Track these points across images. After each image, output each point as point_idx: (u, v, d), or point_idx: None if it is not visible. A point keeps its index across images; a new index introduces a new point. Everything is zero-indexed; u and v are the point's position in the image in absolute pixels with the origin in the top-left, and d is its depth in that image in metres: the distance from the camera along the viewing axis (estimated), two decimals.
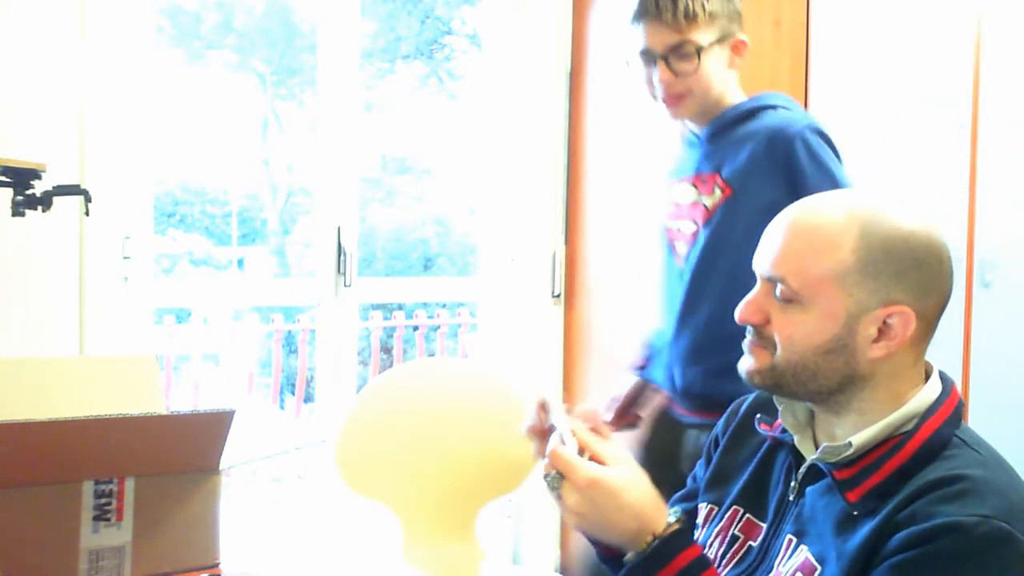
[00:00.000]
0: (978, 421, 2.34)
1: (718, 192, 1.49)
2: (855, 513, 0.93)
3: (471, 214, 3.34)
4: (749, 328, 1.02)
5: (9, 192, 1.43)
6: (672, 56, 1.41)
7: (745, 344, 1.03)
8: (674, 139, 1.61)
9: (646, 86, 1.50)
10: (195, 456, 1.30)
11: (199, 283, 3.76)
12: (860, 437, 0.96)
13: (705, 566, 0.96)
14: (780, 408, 1.06)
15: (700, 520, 1.16)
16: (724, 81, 1.50)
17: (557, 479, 0.95)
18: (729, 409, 1.22)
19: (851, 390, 0.98)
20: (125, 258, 2.14)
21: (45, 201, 1.45)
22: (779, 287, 0.97)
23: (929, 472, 0.92)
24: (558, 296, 2.83)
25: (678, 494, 1.26)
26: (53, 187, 1.47)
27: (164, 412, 1.30)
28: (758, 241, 1.03)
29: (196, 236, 4.80)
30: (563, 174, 2.84)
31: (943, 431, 0.95)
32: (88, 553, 1.25)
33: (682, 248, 1.53)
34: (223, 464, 1.30)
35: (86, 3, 2.06)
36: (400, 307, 4.90)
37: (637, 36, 1.43)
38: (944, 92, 2.43)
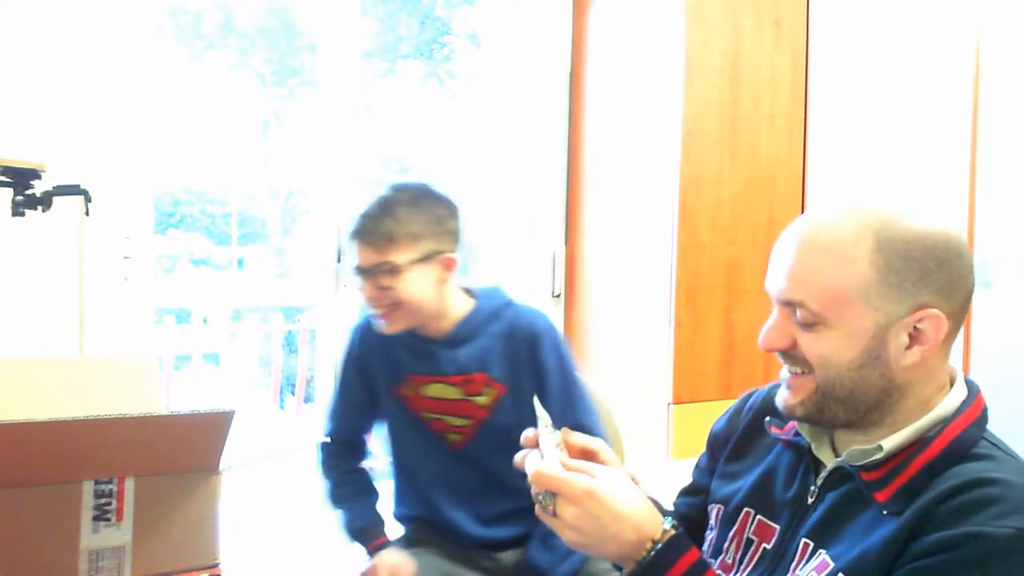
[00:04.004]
0: None
1: (490, 391, 1.61)
2: (884, 512, 0.91)
3: (471, 214, 3.32)
4: (782, 359, 0.98)
5: (9, 192, 1.43)
6: (373, 274, 1.55)
7: (782, 378, 0.99)
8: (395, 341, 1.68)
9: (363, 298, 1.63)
10: (195, 456, 1.30)
11: (199, 283, 3.76)
12: (890, 441, 0.93)
13: (705, 568, 0.95)
14: None
15: (712, 521, 1.14)
16: (438, 295, 1.59)
17: (549, 497, 0.92)
18: (733, 408, 1.20)
19: (888, 403, 0.94)
20: (125, 258, 2.14)
21: (45, 201, 1.45)
22: (799, 312, 0.93)
23: (960, 471, 0.89)
24: (558, 296, 2.83)
25: (684, 487, 1.25)
26: (53, 187, 1.47)
27: (164, 412, 1.30)
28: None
29: (196, 236, 4.79)
30: (563, 174, 2.84)
31: (970, 431, 0.93)
32: (88, 553, 1.25)
33: (456, 438, 1.65)
34: (223, 464, 1.30)
35: (87, 3, 2.06)
36: None
37: (351, 253, 1.59)
38: (944, 92, 2.42)
